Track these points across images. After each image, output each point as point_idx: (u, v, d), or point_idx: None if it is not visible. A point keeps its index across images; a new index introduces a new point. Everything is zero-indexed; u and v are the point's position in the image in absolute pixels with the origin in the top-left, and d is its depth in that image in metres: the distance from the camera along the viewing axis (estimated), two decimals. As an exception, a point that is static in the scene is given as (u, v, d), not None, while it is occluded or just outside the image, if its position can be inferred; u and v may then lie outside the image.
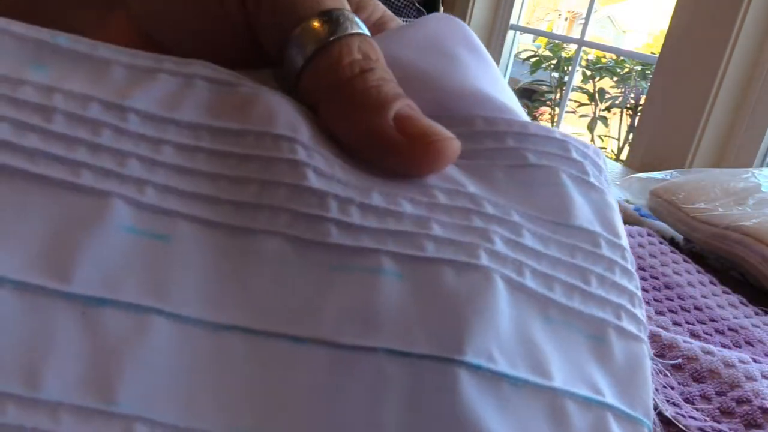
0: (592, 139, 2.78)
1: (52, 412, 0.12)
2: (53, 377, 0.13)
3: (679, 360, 0.35)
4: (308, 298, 0.14)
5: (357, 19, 0.18)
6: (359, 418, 0.13)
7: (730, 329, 0.42)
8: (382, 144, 0.16)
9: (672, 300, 0.45)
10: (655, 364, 0.35)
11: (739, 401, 0.32)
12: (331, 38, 0.17)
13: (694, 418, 0.31)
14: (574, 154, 0.18)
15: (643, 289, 0.45)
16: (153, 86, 0.16)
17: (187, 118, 0.16)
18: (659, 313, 0.43)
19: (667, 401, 0.32)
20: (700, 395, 0.33)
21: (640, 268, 0.48)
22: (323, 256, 0.15)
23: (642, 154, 1.35)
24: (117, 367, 0.13)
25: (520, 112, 0.19)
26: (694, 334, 0.40)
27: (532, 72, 2.79)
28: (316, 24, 0.17)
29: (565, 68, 2.73)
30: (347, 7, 0.18)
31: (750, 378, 0.33)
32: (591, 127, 2.77)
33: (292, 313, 0.14)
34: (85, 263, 0.14)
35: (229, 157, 0.16)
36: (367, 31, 0.18)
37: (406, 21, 0.24)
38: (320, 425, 0.13)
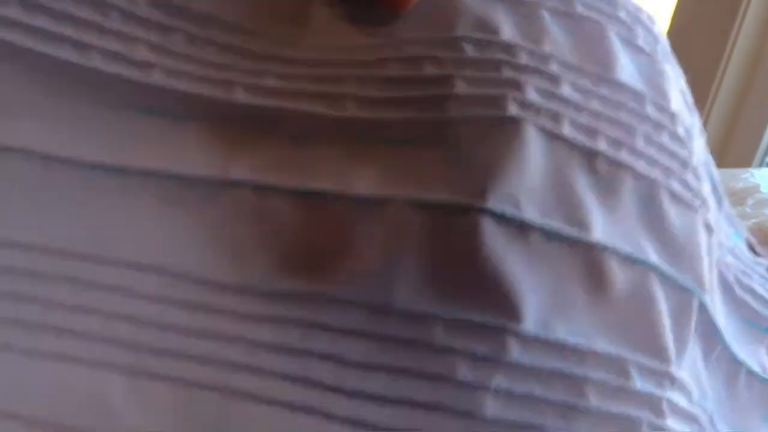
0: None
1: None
2: None
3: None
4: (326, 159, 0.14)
5: None
6: (377, 264, 0.13)
7: (729, 329, 0.42)
8: None
9: (671, 300, 0.45)
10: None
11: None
12: None
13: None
14: (623, 15, 0.17)
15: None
16: None
17: (197, 8, 0.16)
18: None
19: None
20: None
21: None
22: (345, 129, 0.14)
23: (641, 155, 1.34)
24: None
25: None
26: (693, 334, 0.40)
27: (532, 72, 2.78)
28: None
29: (565, 68, 2.72)
30: None
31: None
32: (590, 128, 2.76)
33: (305, 167, 0.14)
34: (97, 136, 0.14)
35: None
36: None
37: None
38: (334, 273, 0.13)
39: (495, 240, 0.13)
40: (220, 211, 0.13)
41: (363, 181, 0.13)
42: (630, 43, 0.17)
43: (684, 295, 0.14)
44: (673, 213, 0.15)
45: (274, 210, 0.13)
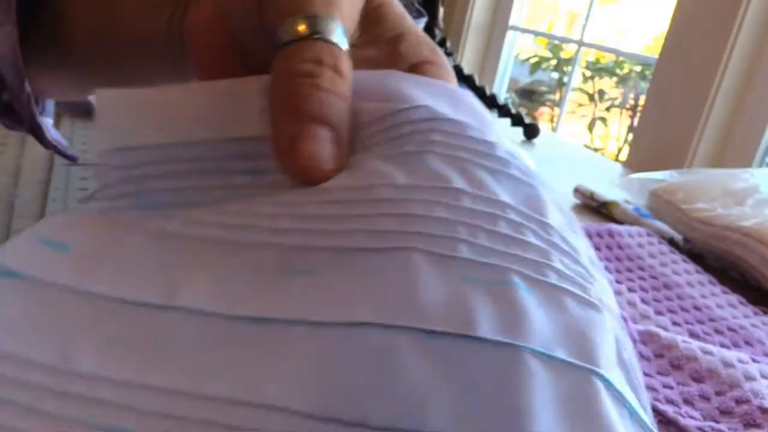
0: (592, 140, 2.78)
1: None
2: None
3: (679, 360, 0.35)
4: (446, 300, 0.15)
5: (340, 31, 0.19)
6: (506, 408, 0.13)
7: (729, 329, 0.42)
8: (273, 146, 0.18)
9: (671, 300, 0.45)
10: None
11: (738, 401, 0.32)
12: (302, 36, 0.19)
13: (693, 418, 0.31)
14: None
15: (643, 289, 0.46)
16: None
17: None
18: (659, 313, 0.43)
19: (666, 401, 0.32)
20: (699, 395, 0.33)
21: (640, 268, 0.48)
22: (455, 268, 0.15)
23: (641, 155, 1.35)
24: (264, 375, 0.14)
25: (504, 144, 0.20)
26: (693, 334, 0.40)
27: (532, 73, 2.79)
28: (300, 23, 0.19)
29: (565, 69, 2.73)
30: (339, 17, 0.20)
31: (749, 378, 0.33)
32: (591, 128, 2.77)
33: (428, 310, 0.14)
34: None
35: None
36: (344, 44, 0.19)
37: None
38: (460, 405, 0.13)
39: (607, 401, 0.14)
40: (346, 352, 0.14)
41: (484, 323, 0.15)
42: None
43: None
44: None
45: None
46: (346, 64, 0.19)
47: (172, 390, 0.13)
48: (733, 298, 0.47)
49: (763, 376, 0.34)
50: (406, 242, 0.16)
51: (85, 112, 0.89)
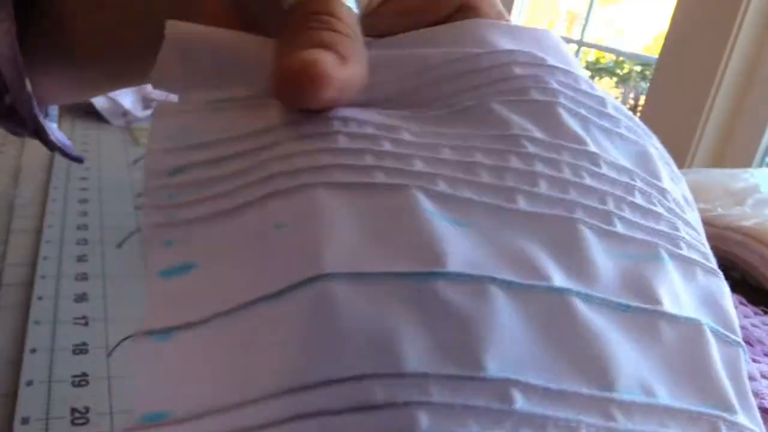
0: (592, 140, 2.78)
1: (420, 384, 0.12)
2: (412, 351, 0.13)
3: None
4: (620, 274, 0.15)
5: None
6: (698, 371, 0.14)
7: (729, 329, 0.42)
8: (274, 91, 0.16)
9: (671, 300, 0.45)
10: None
11: (739, 401, 0.32)
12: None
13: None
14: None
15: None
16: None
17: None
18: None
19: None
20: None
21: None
22: (614, 242, 0.16)
23: (641, 155, 1.35)
24: (474, 336, 0.13)
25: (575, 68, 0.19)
26: (693, 334, 0.41)
27: (532, 72, 2.79)
28: None
29: (565, 69, 2.73)
30: None
31: (749, 378, 0.33)
32: (590, 128, 2.77)
33: (614, 284, 0.15)
34: (407, 245, 0.14)
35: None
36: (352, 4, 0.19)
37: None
38: (671, 378, 0.14)
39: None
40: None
41: (664, 298, 0.15)
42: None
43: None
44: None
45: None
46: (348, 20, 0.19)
47: None
48: (734, 298, 0.47)
49: (764, 376, 0.34)
50: (570, 212, 0.16)
51: (84, 112, 0.90)
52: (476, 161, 0.17)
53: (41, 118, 0.30)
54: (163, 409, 0.14)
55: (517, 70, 0.18)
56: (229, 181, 0.17)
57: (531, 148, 0.17)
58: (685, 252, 0.16)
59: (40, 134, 0.33)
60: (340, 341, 0.13)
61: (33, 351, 0.42)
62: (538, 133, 0.17)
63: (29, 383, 0.39)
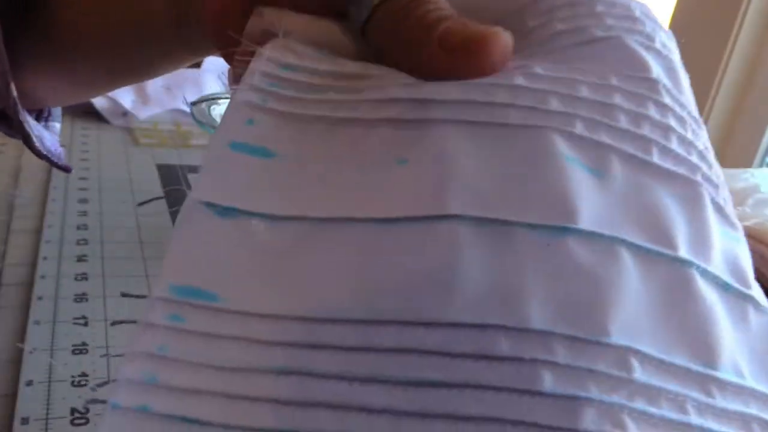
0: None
1: (545, 342, 0.12)
2: (537, 307, 0.12)
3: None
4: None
5: None
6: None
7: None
8: (432, 64, 0.16)
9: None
10: None
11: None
12: None
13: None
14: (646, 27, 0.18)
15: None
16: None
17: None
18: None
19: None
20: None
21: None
22: (719, 217, 0.15)
23: (641, 155, 1.34)
24: (601, 299, 0.12)
25: None
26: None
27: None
28: None
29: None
30: None
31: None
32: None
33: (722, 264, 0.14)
34: (542, 194, 0.13)
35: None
36: None
37: None
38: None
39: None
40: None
41: None
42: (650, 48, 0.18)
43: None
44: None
45: None
46: None
47: None
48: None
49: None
50: (693, 174, 0.15)
51: (84, 112, 0.89)
52: (615, 103, 0.16)
53: (27, 126, 0.30)
54: (210, 289, 0.13)
55: (637, 13, 0.18)
56: (341, 93, 0.16)
57: (667, 99, 0.16)
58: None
59: (27, 141, 0.33)
60: (463, 285, 0.12)
61: (33, 351, 0.42)
62: (669, 84, 0.16)
63: (29, 383, 0.39)
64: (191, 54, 0.30)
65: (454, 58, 0.16)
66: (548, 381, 0.12)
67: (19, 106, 0.30)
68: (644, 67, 0.17)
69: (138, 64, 0.31)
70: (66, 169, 0.38)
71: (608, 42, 0.17)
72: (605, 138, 0.15)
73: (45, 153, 0.34)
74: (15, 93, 0.29)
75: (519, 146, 0.14)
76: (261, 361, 0.12)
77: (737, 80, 1.26)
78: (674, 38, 0.19)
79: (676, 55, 0.18)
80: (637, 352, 0.12)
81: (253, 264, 0.13)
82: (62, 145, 0.38)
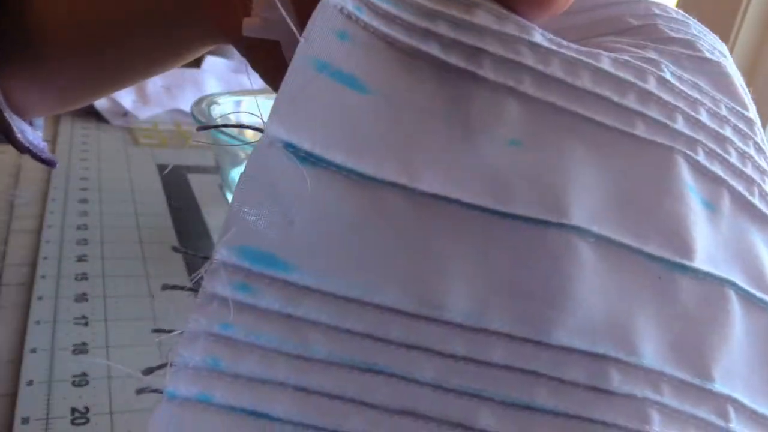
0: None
1: (654, 381, 0.11)
2: (648, 343, 0.12)
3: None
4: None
5: None
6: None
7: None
8: None
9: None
10: None
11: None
12: None
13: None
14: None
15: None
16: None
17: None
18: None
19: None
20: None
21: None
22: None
23: (641, 155, 1.35)
24: (708, 343, 0.12)
25: None
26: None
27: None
28: None
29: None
30: None
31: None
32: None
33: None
34: (662, 222, 0.13)
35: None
36: None
37: None
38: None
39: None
40: None
41: None
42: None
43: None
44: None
45: None
46: None
47: None
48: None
49: None
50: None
51: (85, 112, 0.89)
52: (727, 136, 0.15)
53: (8, 116, 0.30)
54: (287, 258, 0.10)
55: (701, 45, 0.17)
56: (454, 29, 0.13)
57: (759, 138, 0.16)
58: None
59: (8, 134, 0.33)
60: (576, 305, 0.11)
61: (33, 351, 0.42)
62: (758, 130, 0.16)
63: (29, 383, 0.39)
64: (174, 49, 0.29)
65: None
66: (657, 421, 0.11)
67: (1, 97, 0.30)
68: (743, 104, 0.16)
69: (121, 51, 0.30)
70: (50, 163, 0.38)
71: (713, 65, 0.16)
72: (719, 171, 0.14)
73: (27, 146, 0.34)
74: None
75: (644, 163, 0.13)
76: (347, 353, 0.11)
77: (737, 80, 1.26)
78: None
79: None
80: (735, 402, 0.12)
81: (341, 235, 0.11)
82: (45, 140, 0.37)
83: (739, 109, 0.16)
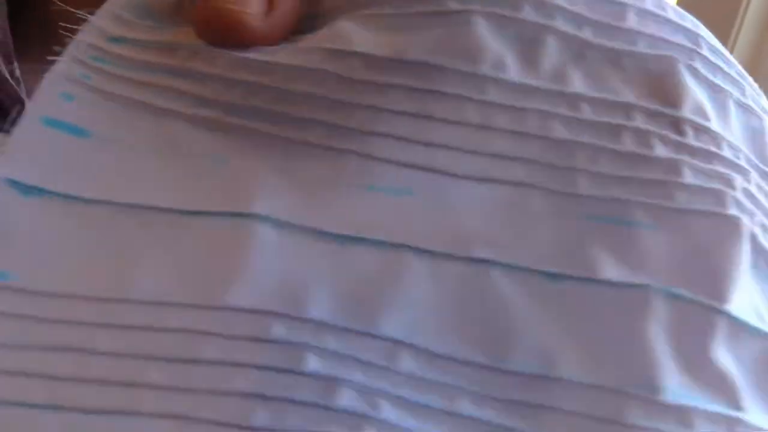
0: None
1: (317, 331, 0.13)
2: (316, 300, 0.13)
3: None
4: (566, 241, 0.14)
5: None
6: (625, 345, 0.13)
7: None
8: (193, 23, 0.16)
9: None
10: None
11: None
12: None
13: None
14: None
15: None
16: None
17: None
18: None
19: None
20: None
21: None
22: (575, 207, 0.14)
23: (641, 155, 1.34)
24: (379, 300, 0.13)
25: None
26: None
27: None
28: None
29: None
30: None
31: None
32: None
33: (551, 253, 0.14)
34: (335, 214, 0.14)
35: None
36: None
37: None
38: (586, 351, 0.13)
39: (725, 339, 0.14)
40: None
41: (607, 265, 0.14)
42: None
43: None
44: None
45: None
46: None
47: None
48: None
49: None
50: (523, 176, 0.14)
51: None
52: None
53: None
54: (2, 267, 0.13)
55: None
56: (170, 76, 0.15)
57: (497, 96, 0.16)
58: (680, 204, 0.15)
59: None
60: (254, 276, 0.13)
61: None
62: (512, 73, 0.15)
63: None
64: None
65: (196, 22, 0.16)
66: (313, 363, 0.12)
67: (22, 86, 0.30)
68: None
69: None
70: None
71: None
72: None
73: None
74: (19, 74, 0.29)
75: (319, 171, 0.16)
76: (43, 338, 0.13)
77: (737, 80, 1.26)
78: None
79: None
80: (410, 346, 0.13)
81: (54, 244, 0.13)
82: None
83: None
